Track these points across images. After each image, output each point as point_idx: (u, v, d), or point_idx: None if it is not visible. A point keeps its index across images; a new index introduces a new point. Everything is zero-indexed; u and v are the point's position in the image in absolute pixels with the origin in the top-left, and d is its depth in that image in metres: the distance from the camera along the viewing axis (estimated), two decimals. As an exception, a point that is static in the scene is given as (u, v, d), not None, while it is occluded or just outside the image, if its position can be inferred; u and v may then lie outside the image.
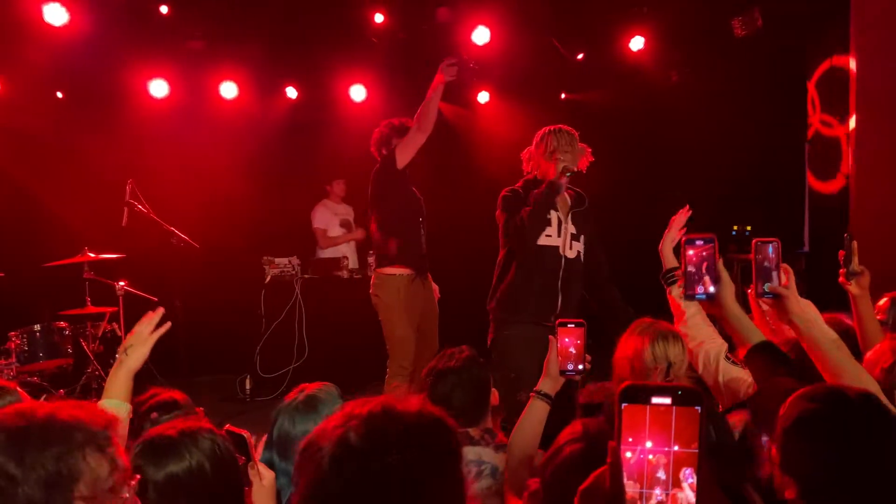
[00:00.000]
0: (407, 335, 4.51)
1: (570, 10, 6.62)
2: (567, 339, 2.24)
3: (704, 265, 1.80)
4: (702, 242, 1.79)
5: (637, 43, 6.75)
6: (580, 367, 2.25)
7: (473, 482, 2.25)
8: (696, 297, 1.82)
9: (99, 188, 5.85)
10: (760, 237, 1.85)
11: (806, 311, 1.81)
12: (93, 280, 5.40)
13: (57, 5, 5.29)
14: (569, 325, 2.25)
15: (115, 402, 1.88)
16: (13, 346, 4.93)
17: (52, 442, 1.17)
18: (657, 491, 1.02)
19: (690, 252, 1.80)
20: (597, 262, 3.89)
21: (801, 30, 6.35)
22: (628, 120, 7.31)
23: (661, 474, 1.00)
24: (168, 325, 2.00)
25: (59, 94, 6.69)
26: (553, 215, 3.71)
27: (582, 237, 3.78)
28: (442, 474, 1.08)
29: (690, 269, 1.80)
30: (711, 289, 1.80)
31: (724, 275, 1.82)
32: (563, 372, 2.24)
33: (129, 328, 5.47)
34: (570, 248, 3.75)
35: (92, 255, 5.29)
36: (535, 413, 2.22)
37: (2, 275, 4.99)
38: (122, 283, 5.31)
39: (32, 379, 4.90)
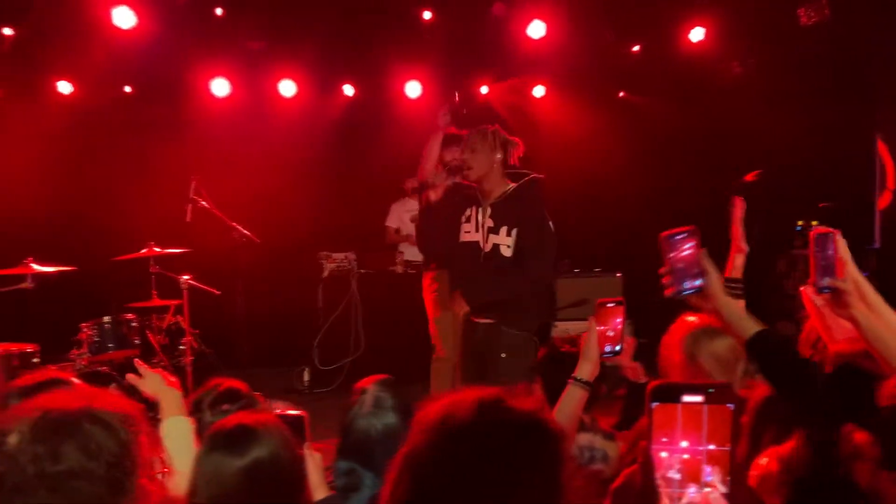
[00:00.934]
0: None
1: (628, 2, 6.52)
2: (606, 320, 2.17)
3: (689, 258, 1.73)
4: (683, 236, 1.74)
5: (697, 34, 6.59)
6: (617, 347, 2.18)
7: (584, 467, 2.24)
8: (685, 292, 1.73)
9: (165, 185, 6.05)
10: (819, 229, 1.78)
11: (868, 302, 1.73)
12: (159, 274, 5.59)
13: (125, 8, 5.49)
14: (608, 305, 2.18)
15: (179, 419, 2.03)
16: (84, 337, 5.14)
17: (112, 429, 1.21)
18: (691, 490, 1.01)
19: (672, 248, 1.74)
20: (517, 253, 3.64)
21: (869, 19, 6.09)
22: (688, 114, 7.15)
23: (692, 472, 0.99)
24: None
25: (128, 89, 6.93)
26: (473, 211, 3.71)
27: (503, 229, 3.60)
28: (542, 476, 1.05)
29: (677, 265, 1.73)
30: (698, 282, 1.73)
31: (710, 266, 1.75)
32: (601, 354, 2.15)
33: (193, 321, 5.66)
34: (486, 241, 3.66)
35: (158, 249, 5.48)
36: (573, 400, 2.13)
37: (75, 269, 5.21)
38: (186, 277, 5.47)
39: (102, 369, 5.11)
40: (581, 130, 7.43)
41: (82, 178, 6.63)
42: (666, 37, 6.81)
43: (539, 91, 7.63)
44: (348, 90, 7.49)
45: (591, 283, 6.69)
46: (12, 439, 1.14)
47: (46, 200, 6.33)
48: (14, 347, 5.11)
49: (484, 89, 7.40)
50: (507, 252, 3.60)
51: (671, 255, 1.73)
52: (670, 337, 2.38)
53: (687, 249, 1.72)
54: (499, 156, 3.66)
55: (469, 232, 3.70)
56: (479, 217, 3.69)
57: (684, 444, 0.99)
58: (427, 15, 6.62)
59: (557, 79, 7.46)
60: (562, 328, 6.57)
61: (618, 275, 6.75)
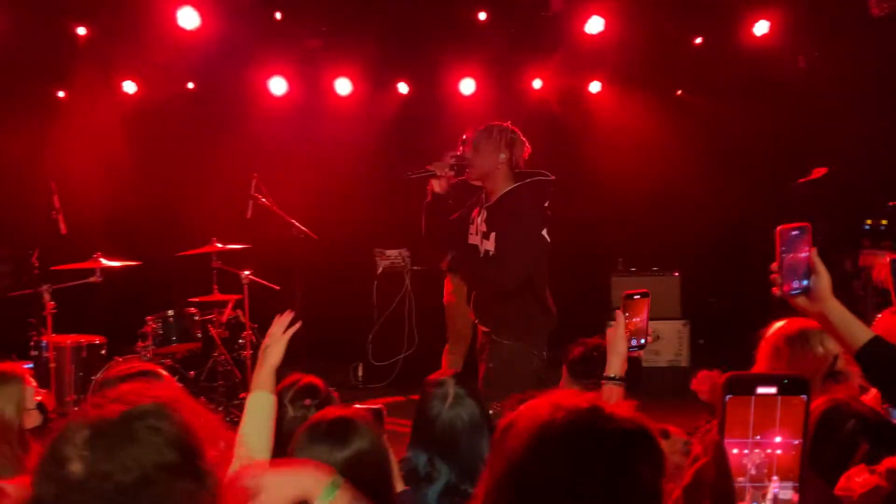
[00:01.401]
0: None
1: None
2: (633, 313, 2.12)
3: (800, 257, 1.64)
4: (797, 232, 1.64)
5: (761, 27, 6.41)
6: (643, 341, 2.13)
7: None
8: (793, 293, 1.64)
9: (227, 182, 6.19)
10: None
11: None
12: (220, 269, 5.73)
13: (190, 9, 5.64)
14: (635, 297, 2.14)
15: (264, 393, 2.04)
16: (150, 330, 5.31)
17: (165, 419, 1.19)
18: (773, 485, 0.98)
19: (787, 243, 1.63)
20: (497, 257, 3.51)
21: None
22: (751, 111, 6.97)
23: (768, 467, 0.96)
24: (299, 324, 2.19)
25: (191, 85, 7.12)
26: (476, 213, 3.61)
27: (492, 234, 3.48)
28: (647, 485, 1.04)
29: (788, 262, 1.63)
30: (805, 282, 1.64)
31: (820, 266, 1.64)
32: (628, 348, 2.10)
33: (253, 315, 5.77)
34: (482, 245, 3.56)
35: (220, 245, 5.61)
36: (611, 399, 2.04)
37: (140, 263, 5.37)
38: (247, 273, 5.58)
39: (165, 361, 5.26)
40: (638, 127, 7.32)
41: (148, 176, 6.84)
42: (728, 31, 6.65)
43: (595, 87, 7.55)
44: (403, 88, 7.54)
45: (647, 283, 6.57)
46: (75, 467, 1.09)
47: (114, 197, 6.56)
48: (83, 339, 5.33)
49: (537, 83, 7.36)
50: (494, 254, 3.49)
51: (784, 251, 1.62)
52: (769, 338, 2.26)
53: (800, 247, 1.63)
54: (503, 156, 3.48)
55: (472, 235, 3.61)
56: (479, 220, 3.58)
57: (757, 437, 0.97)
58: (482, 16, 6.62)
59: (614, 75, 7.37)
60: (617, 327, 6.49)
61: (675, 274, 6.64)
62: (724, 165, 7.24)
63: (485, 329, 3.55)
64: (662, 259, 6.82)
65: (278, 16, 6.47)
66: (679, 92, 7.77)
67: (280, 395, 2.10)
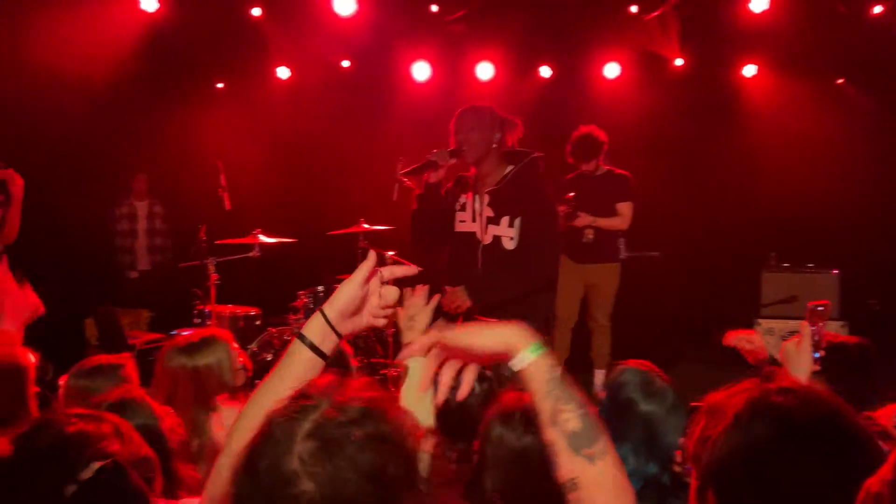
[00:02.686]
0: None
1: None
2: (815, 324, 2.00)
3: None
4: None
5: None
6: (816, 354, 1.99)
7: None
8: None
9: (375, 165, 6.35)
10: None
11: None
12: (366, 249, 5.90)
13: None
14: (818, 308, 2.03)
15: (417, 359, 2.10)
16: (301, 304, 5.56)
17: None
18: None
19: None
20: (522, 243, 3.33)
21: None
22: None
23: None
24: (436, 298, 2.26)
25: (346, 63, 7.30)
26: (468, 198, 3.37)
27: (505, 219, 3.29)
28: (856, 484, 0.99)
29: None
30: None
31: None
32: None
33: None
34: (486, 232, 3.33)
35: (367, 226, 5.78)
36: None
37: (295, 241, 5.62)
38: (391, 253, 5.72)
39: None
40: (796, 114, 6.90)
41: (302, 159, 7.17)
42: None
43: (750, 70, 7.16)
44: (545, 72, 7.45)
45: (802, 280, 6.22)
46: (307, 487, 0.96)
47: (272, 178, 6.93)
48: (240, 310, 5.66)
49: (679, 61, 7.08)
50: (509, 245, 3.30)
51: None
52: None
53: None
54: (497, 135, 3.33)
55: (465, 221, 3.40)
56: (476, 205, 3.37)
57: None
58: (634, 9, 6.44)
59: (773, 58, 6.96)
60: (766, 327, 6.19)
61: (833, 272, 6.22)
62: (892, 157, 6.70)
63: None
64: (819, 255, 6.40)
65: (434, 8, 6.55)
66: (841, 80, 7.26)
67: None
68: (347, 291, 1.36)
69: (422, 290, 2.25)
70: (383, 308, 1.39)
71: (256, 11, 6.38)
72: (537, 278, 3.32)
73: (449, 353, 1.31)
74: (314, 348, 1.32)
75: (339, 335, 1.35)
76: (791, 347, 1.98)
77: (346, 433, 0.98)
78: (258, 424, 1.12)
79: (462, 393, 1.29)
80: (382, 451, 0.99)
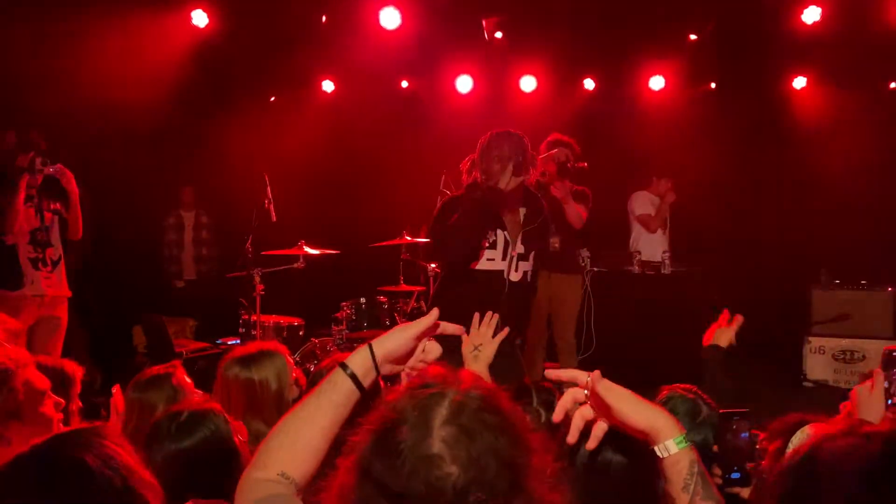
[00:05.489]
0: None
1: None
2: (891, 371, 1.94)
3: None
4: None
5: None
6: (890, 401, 1.93)
7: None
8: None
9: (418, 178, 6.38)
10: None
11: None
12: (408, 261, 5.92)
13: (392, 9, 5.84)
14: (894, 354, 1.98)
15: None
16: (343, 315, 5.59)
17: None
18: None
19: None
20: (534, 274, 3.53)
21: None
22: None
23: None
24: (506, 331, 2.29)
25: (391, 76, 7.37)
26: (500, 235, 3.26)
27: (532, 254, 3.39)
28: None
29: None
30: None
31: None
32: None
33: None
34: (517, 269, 3.31)
35: (409, 238, 5.80)
36: None
37: (338, 252, 5.66)
38: (433, 266, 5.73)
39: (357, 346, 5.50)
40: (848, 127, 6.73)
41: (346, 171, 7.23)
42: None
43: (799, 83, 7.03)
44: (589, 84, 7.41)
45: (854, 298, 6.06)
46: (452, 470, 0.99)
47: (317, 190, 7.01)
48: (283, 320, 5.71)
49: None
50: (528, 278, 3.43)
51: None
52: None
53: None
54: (526, 169, 3.23)
55: (493, 260, 3.31)
56: (508, 244, 3.32)
57: None
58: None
59: (823, 69, 6.82)
60: (816, 344, 6.03)
61: (889, 289, 6.03)
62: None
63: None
64: (872, 272, 6.22)
65: (498, 35, 6.57)
66: (893, 85, 7.06)
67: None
68: (399, 339, 1.42)
69: (488, 320, 2.28)
70: (422, 361, 1.44)
71: (301, 25, 6.48)
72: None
73: (594, 400, 1.30)
74: (355, 380, 1.34)
75: (378, 372, 1.38)
76: (863, 392, 1.93)
77: (482, 419, 1.02)
78: (291, 444, 1.25)
79: (589, 445, 1.31)
80: (514, 439, 1.03)
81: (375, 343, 1.40)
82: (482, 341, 2.24)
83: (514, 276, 3.36)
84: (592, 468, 1.34)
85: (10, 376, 1.83)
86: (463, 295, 3.26)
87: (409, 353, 1.43)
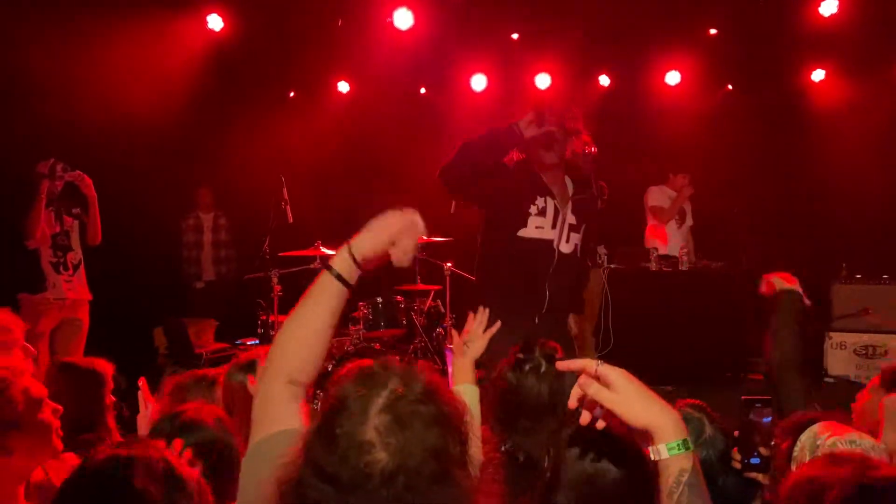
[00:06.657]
0: None
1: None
2: None
3: None
4: None
5: None
6: None
7: None
8: None
9: (433, 176, 6.39)
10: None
11: None
12: (424, 260, 5.93)
13: (405, 10, 5.86)
14: None
15: (468, 386, 2.15)
16: (360, 315, 5.61)
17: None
18: None
19: None
20: (584, 250, 3.46)
21: None
22: None
23: None
24: (498, 324, 2.32)
25: (404, 76, 7.37)
26: (549, 203, 3.21)
27: (583, 227, 3.32)
28: None
29: None
30: None
31: None
32: None
33: (453, 306, 5.87)
34: (568, 240, 3.26)
35: (424, 237, 5.81)
36: None
37: (354, 251, 5.68)
38: (448, 265, 5.74)
39: (374, 345, 5.53)
40: (867, 120, 6.65)
41: (362, 171, 7.25)
42: None
43: (818, 75, 6.95)
44: (604, 80, 7.38)
45: (875, 292, 5.98)
46: (381, 456, 1.03)
47: (333, 190, 7.03)
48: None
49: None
50: (578, 252, 3.37)
51: None
52: None
53: None
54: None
55: (542, 228, 3.23)
56: (560, 212, 3.25)
57: None
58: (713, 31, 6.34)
59: (841, 62, 6.74)
60: (837, 340, 5.97)
61: (909, 283, 5.96)
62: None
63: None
64: (894, 266, 6.13)
65: (515, 36, 6.56)
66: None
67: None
68: (376, 243, 1.51)
69: (480, 318, 2.31)
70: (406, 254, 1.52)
71: (315, 27, 6.52)
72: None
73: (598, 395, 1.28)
74: (341, 279, 1.45)
75: (361, 269, 1.48)
76: (891, 405, 1.88)
77: (416, 410, 1.07)
78: (294, 352, 1.37)
79: (583, 419, 1.27)
80: (444, 430, 1.07)
81: (353, 245, 1.48)
82: (473, 337, 2.28)
83: (565, 248, 3.28)
84: (586, 477, 1.34)
85: (7, 386, 1.82)
86: (508, 266, 3.23)
87: (387, 256, 1.53)
